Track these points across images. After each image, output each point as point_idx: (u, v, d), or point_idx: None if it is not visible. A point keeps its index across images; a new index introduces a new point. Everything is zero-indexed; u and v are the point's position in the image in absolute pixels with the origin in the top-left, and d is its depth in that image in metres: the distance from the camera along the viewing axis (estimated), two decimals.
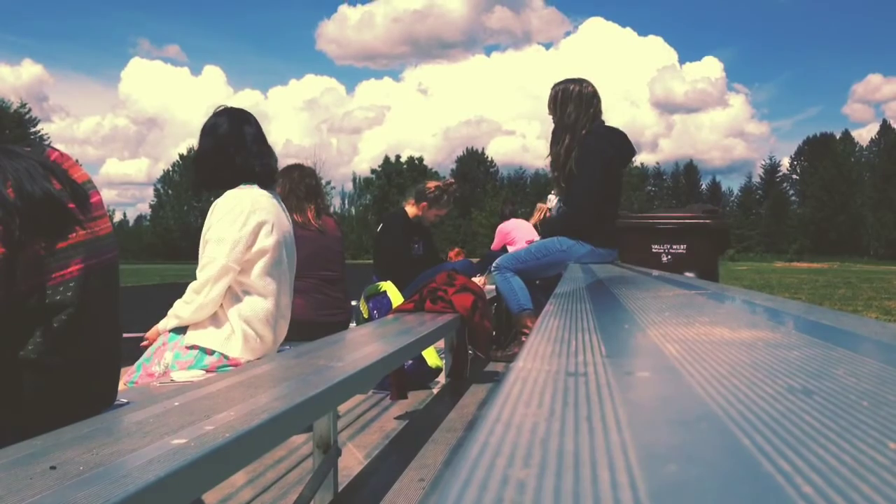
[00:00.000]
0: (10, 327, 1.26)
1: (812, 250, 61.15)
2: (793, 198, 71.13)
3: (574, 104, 3.36)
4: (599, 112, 3.43)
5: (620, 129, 3.52)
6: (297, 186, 3.39)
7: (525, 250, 3.66)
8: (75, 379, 1.32)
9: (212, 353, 1.96)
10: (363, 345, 2.22)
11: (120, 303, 1.50)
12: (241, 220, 2.00)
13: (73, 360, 1.31)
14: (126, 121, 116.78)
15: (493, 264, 3.64)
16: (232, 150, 2.10)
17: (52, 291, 1.29)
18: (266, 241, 2.03)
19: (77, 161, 1.48)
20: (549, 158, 3.47)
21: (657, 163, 79.78)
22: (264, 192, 2.12)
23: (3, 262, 1.21)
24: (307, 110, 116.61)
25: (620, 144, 3.45)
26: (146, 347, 2.08)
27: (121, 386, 1.81)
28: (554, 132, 3.43)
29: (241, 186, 2.09)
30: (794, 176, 71.83)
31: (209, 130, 2.15)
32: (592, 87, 3.43)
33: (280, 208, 2.16)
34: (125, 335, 1.54)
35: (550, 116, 3.45)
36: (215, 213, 2.03)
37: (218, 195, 2.09)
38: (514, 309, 3.51)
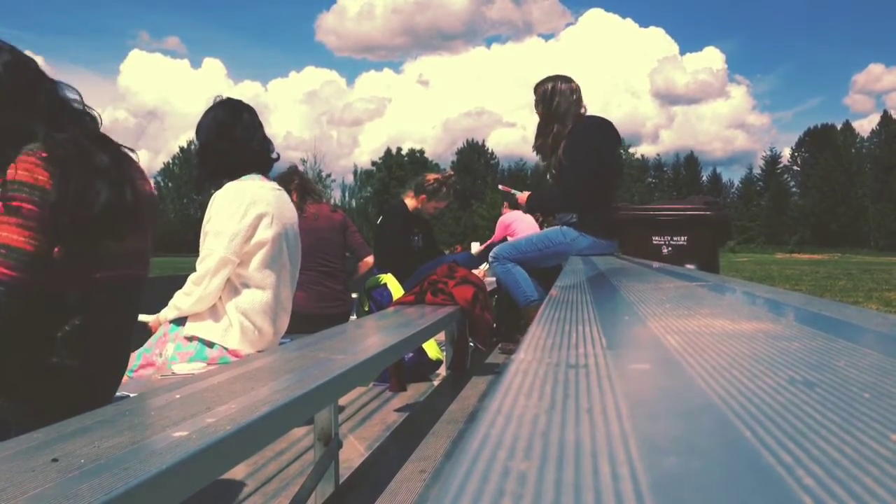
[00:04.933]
0: (26, 323, 1.26)
1: (813, 242, 61.16)
2: (793, 189, 71.01)
3: (561, 97, 3.44)
4: (583, 105, 3.51)
5: (608, 118, 3.59)
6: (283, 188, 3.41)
7: (526, 240, 3.62)
8: (79, 381, 1.32)
9: (212, 345, 1.97)
10: (364, 337, 2.22)
11: (136, 316, 1.52)
12: (241, 212, 2.00)
13: (79, 362, 1.32)
14: (126, 113, 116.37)
15: (492, 254, 3.61)
16: (235, 138, 2.10)
17: (74, 292, 1.30)
18: (265, 233, 2.02)
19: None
20: (537, 149, 3.53)
21: (658, 154, 79.78)
22: (266, 184, 2.12)
23: (40, 249, 1.23)
24: (307, 102, 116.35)
25: (609, 132, 3.51)
26: (153, 329, 2.09)
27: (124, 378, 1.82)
28: (540, 125, 3.49)
29: (243, 178, 2.08)
30: (795, 167, 71.70)
31: (209, 122, 2.14)
32: (575, 83, 3.54)
33: (283, 201, 2.16)
34: None
35: (537, 111, 3.50)
36: (215, 204, 2.03)
37: (219, 187, 2.09)
38: (521, 302, 3.50)
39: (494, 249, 3.61)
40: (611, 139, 3.51)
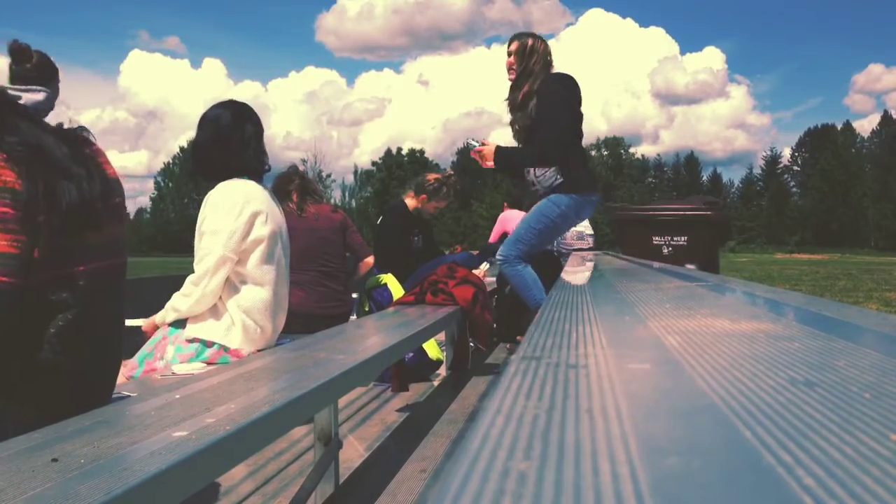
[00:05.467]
0: (18, 323, 1.26)
1: (813, 242, 61.19)
2: (794, 189, 71.02)
3: (538, 55, 3.50)
4: (552, 67, 3.59)
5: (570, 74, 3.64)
6: (284, 188, 3.41)
7: (524, 226, 3.54)
8: (74, 377, 1.32)
9: (212, 344, 1.97)
10: (364, 337, 2.22)
11: (123, 306, 1.51)
12: (236, 210, 2.00)
13: (74, 358, 1.31)
14: (126, 113, 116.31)
15: (498, 256, 3.57)
16: (230, 146, 2.10)
17: (61, 288, 1.30)
18: (261, 230, 2.03)
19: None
20: (507, 102, 3.58)
21: (658, 154, 79.72)
22: (257, 185, 2.13)
23: (25, 249, 1.22)
24: (307, 102, 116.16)
25: (575, 87, 3.58)
26: (147, 333, 2.08)
27: (123, 380, 1.81)
28: (517, 79, 3.52)
29: (234, 179, 2.09)
30: (795, 167, 71.71)
31: (210, 121, 2.14)
32: (548, 45, 3.63)
33: (273, 201, 2.17)
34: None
35: (512, 63, 3.54)
36: (209, 204, 2.03)
37: (211, 187, 2.08)
38: (531, 304, 3.49)
39: (499, 251, 3.57)
40: (578, 93, 3.58)
